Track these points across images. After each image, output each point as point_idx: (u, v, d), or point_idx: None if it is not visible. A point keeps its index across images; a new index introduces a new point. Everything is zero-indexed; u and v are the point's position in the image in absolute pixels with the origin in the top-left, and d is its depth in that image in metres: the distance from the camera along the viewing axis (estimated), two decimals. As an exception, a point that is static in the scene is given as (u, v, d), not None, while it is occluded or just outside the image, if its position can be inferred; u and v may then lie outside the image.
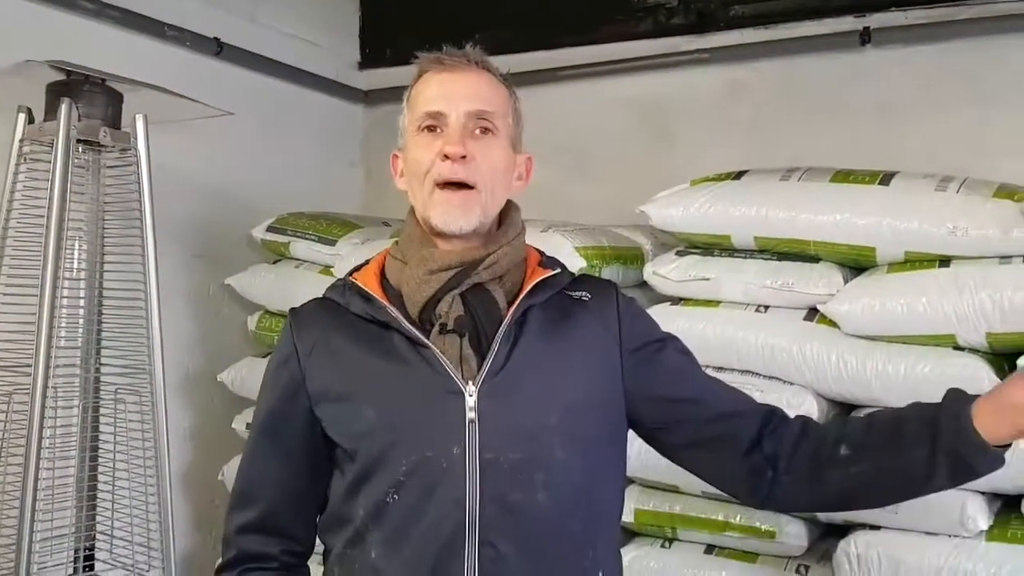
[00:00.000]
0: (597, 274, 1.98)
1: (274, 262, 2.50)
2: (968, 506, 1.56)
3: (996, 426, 1.05)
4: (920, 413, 1.13)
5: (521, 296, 1.14)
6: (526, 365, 1.11)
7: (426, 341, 1.10)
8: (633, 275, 2.06)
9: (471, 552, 1.05)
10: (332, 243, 2.35)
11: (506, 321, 1.11)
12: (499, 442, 1.07)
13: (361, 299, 1.15)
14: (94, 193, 1.99)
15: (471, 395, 1.08)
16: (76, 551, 1.93)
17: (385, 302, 1.13)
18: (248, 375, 2.44)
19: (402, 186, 1.19)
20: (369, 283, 1.16)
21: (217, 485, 2.47)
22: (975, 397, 1.08)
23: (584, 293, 1.19)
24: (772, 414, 1.21)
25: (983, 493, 1.58)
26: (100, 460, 1.99)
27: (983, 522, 1.55)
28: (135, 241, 1.97)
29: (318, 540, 1.20)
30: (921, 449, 1.08)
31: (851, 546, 1.62)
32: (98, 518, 1.96)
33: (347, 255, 2.29)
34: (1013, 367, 1.58)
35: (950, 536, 1.57)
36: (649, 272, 1.94)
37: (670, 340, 1.25)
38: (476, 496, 1.05)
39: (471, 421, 1.07)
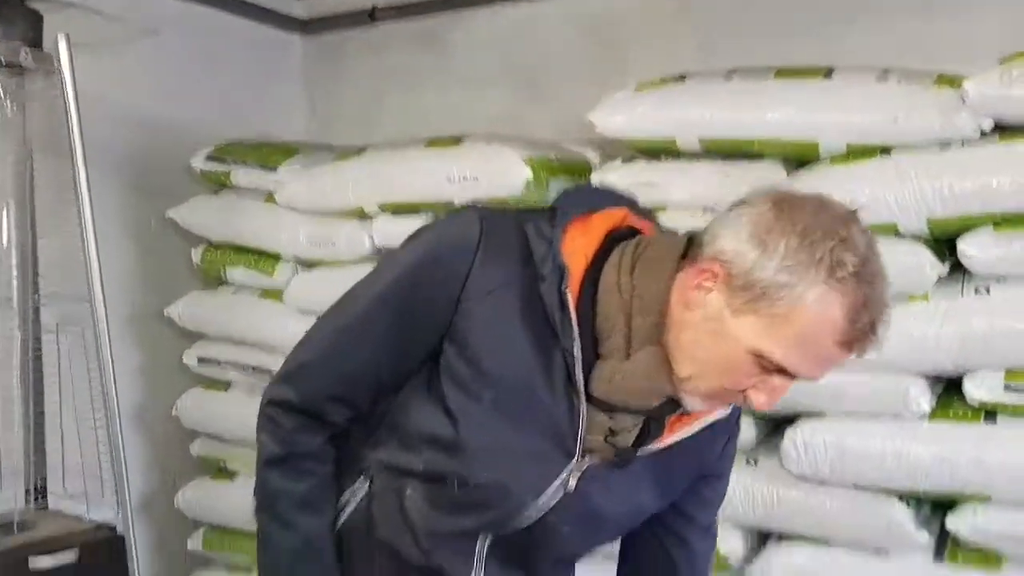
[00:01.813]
0: (544, 186, 1.97)
1: (216, 192, 2.44)
2: (911, 389, 1.59)
3: None
4: None
5: (688, 430, 1.10)
6: (639, 470, 1.09)
7: (583, 395, 1.02)
8: (581, 186, 2.04)
9: (480, 557, 1.09)
10: (273, 169, 2.29)
11: (658, 447, 1.09)
12: (567, 514, 1.07)
13: (559, 297, 1.00)
14: (19, 121, 1.92)
15: (580, 468, 1.05)
16: (26, 486, 1.90)
17: (577, 337, 1.00)
18: (196, 309, 2.40)
19: (687, 314, 0.99)
20: (574, 284, 1.01)
21: (171, 420, 2.44)
22: None
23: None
24: None
25: (926, 377, 1.62)
26: (47, 396, 1.95)
27: (926, 404, 1.59)
28: (67, 174, 1.90)
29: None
30: None
31: (797, 435, 1.66)
32: (48, 450, 1.93)
33: (289, 181, 2.24)
34: (953, 251, 1.60)
35: (894, 417, 1.61)
36: (596, 180, 1.93)
37: (727, 474, 1.25)
38: (518, 534, 1.08)
39: (567, 490, 1.06)
